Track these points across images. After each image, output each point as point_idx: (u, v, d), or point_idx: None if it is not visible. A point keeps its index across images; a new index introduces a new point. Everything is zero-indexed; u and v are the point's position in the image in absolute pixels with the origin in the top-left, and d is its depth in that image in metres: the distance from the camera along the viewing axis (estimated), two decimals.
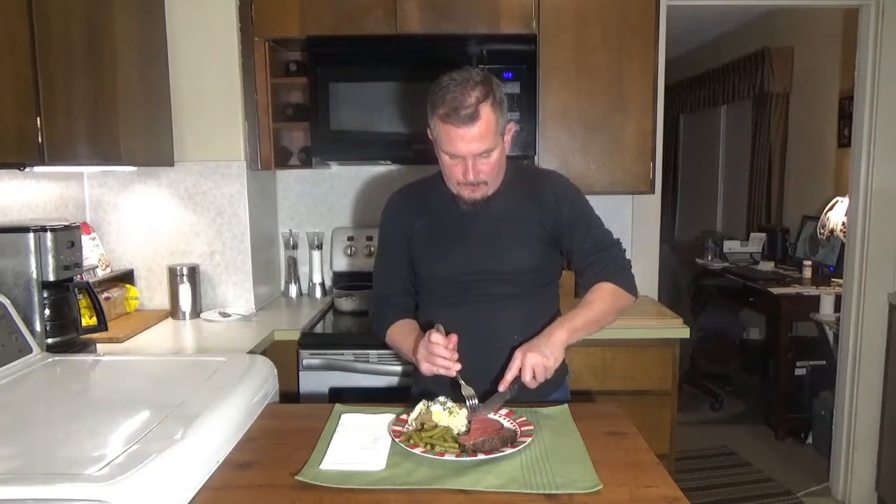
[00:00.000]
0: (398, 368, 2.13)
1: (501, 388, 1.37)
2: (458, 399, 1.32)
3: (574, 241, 1.57)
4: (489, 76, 1.46)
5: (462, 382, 1.36)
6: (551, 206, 1.57)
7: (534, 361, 1.36)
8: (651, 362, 2.24)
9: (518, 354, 1.38)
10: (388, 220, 1.67)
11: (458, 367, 1.37)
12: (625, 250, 1.63)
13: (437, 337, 1.38)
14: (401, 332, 1.60)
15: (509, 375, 1.37)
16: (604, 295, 1.54)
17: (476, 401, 1.33)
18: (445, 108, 1.39)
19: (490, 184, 1.52)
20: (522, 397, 1.41)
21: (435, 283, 1.59)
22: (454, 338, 1.39)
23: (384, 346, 1.72)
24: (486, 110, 1.40)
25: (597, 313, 1.51)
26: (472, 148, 1.42)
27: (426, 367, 1.42)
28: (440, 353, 1.37)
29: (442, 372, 1.39)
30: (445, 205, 1.59)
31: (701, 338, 4.34)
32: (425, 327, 1.58)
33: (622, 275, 1.57)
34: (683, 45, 5.74)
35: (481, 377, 1.47)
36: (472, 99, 1.39)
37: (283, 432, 1.33)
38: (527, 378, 1.36)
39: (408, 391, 1.77)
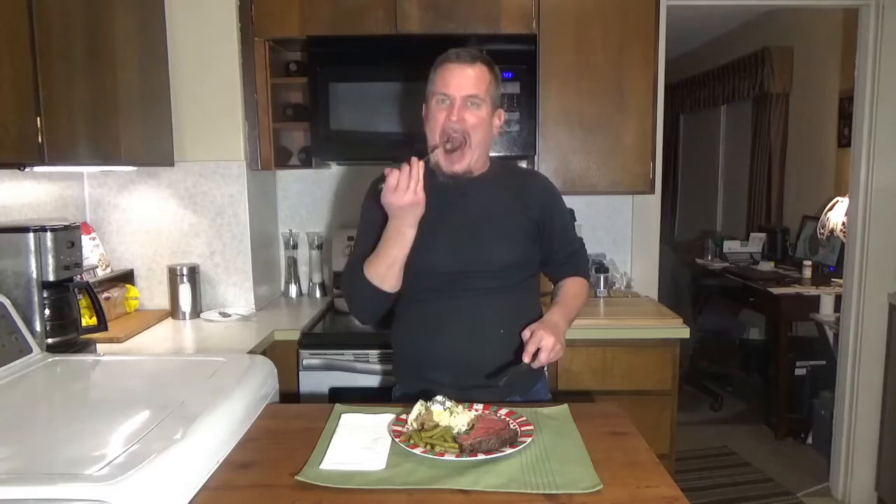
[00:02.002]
0: None
1: (526, 358, 1.39)
2: (457, 398, 1.32)
3: (554, 246, 1.64)
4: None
5: (430, 157, 1.45)
6: (540, 207, 1.60)
7: (550, 343, 1.39)
8: (651, 362, 2.24)
9: (540, 333, 1.39)
10: (371, 206, 1.61)
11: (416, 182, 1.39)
12: (586, 250, 1.77)
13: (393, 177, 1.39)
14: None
15: (531, 347, 1.39)
16: (581, 290, 1.66)
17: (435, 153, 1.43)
18: (448, 54, 1.49)
19: (471, 149, 1.49)
20: (503, 395, 1.44)
21: (421, 275, 1.56)
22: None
23: (384, 345, 1.72)
24: (483, 65, 1.50)
25: (578, 308, 1.62)
26: (463, 86, 1.46)
27: (402, 199, 1.40)
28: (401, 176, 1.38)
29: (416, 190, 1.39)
30: (432, 195, 1.56)
31: (701, 338, 4.34)
32: (407, 322, 1.59)
33: (588, 273, 1.74)
34: (683, 45, 5.74)
35: (466, 369, 1.48)
36: (476, 55, 1.51)
37: (283, 432, 1.33)
38: (543, 358, 1.39)
39: None
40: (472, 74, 1.47)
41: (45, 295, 1.75)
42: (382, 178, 1.63)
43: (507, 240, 1.56)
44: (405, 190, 1.38)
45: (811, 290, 3.56)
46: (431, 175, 1.58)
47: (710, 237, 4.83)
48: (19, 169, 1.77)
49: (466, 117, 1.47)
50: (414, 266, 1.56)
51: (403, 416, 1.29)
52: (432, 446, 1.18)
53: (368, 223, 1.64)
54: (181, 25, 2.38)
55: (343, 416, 1.36)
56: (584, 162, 2.50)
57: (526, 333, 1.42)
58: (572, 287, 1.64)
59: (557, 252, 1.65)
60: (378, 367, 2.16)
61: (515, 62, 2.37)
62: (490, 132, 1.55)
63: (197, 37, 2.39)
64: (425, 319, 1.54)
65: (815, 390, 3.55)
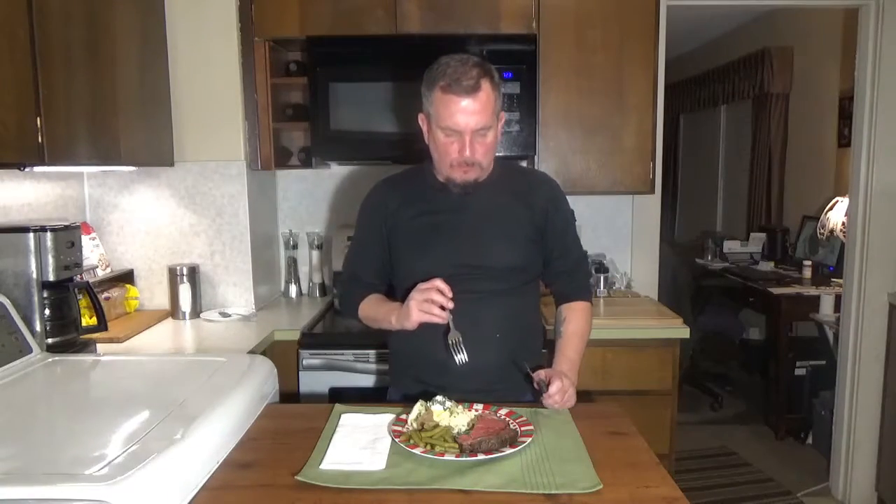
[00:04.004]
0: None
1: (547, 402, 1.39)
2: (452, 389, 1.33)
3: (555, 252, 1.62)
4: (485, 61, 1.49)
5: (451, 326, 1.39)
6: (542, 209, 1.60)
7: (569, 394, 1.41)
8: (651, 362, 2.24)
9: (567, 382, 1.42)
10: (370, 209, 1.65)
11: (450, 304, 1.39)
12: (589, 263, 1.75)
13: (440, 283, 1.40)
14: (377, 301, 1.60)
15: (553, 388, 1.39)
16: (588, 323, 1.64)
17: (463, 355, 1.39)
18: (447, 80, 1.42)
19: (482, 167, 1.51)
20: (498, 398, 1.44)
21: (420, 277, 1.55)
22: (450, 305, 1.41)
23: (384, 345, 1.71)
24: (486, 85, 1.43)
25: (583, 346, 1.62)
26: (472, 122, 1.43)
27: (417, 314, 1.41)
28: (440, 287, 1.39)
29: (434, 317, 1.40)
30: (433, 197, 1.58)
31: (701, 338, 4.34)
32: None
33: (590, 291, 1.71)
34: (683, 45, 5.74)
35: (465, 373, 1.48)
36: (474, 73, 1.42)
37: (283, 432, 1.33)
38: (556, 399, 1.39)
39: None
40: (478, 106, 1.42)
41: (45, 295, 1.75)
42: (382, 188, 1.64)
43: (509, 243, 1.56)
44: (429, 309, 1.40)
45: (811, 290, 3.56)
46: (433, 177, 1.59)
47: (710, 237, 4.83)
48: (19, 169, 1.77)
49: (477, 148, 1.47)
50: (413, 267, 1.56)
51: (403, 416, 1.30)
52: (432, 446, 1.18)
53: (367, 229, 1.65)
54: (181, 25, 2.38)
55: (343, 416, 1.36)
56: (584, 162, 2.50)
57: (542, 373, 1.42)
58: (578, 324, 1.61)
59: (557, 258, 1.63)
60: (378, 367, 2.16)
61: (515, 62, 2.37)
62: (496, 143, 1.54)
63: (197, 37, 2.39)
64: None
65: (815, 390, 3.55)
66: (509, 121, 2.37)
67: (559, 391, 1.38)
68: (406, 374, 1.62)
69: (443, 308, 1.39)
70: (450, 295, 1.39)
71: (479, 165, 1.50)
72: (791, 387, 3.66)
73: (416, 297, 1.42)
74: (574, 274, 1.66)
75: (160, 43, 2.34)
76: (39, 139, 1.64)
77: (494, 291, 1.54)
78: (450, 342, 1.41)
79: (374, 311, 1.59)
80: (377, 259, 1.63)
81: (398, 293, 1.65)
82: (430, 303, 1.39)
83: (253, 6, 2.43)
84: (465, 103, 1.41)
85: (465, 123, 1.43)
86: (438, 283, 1.40)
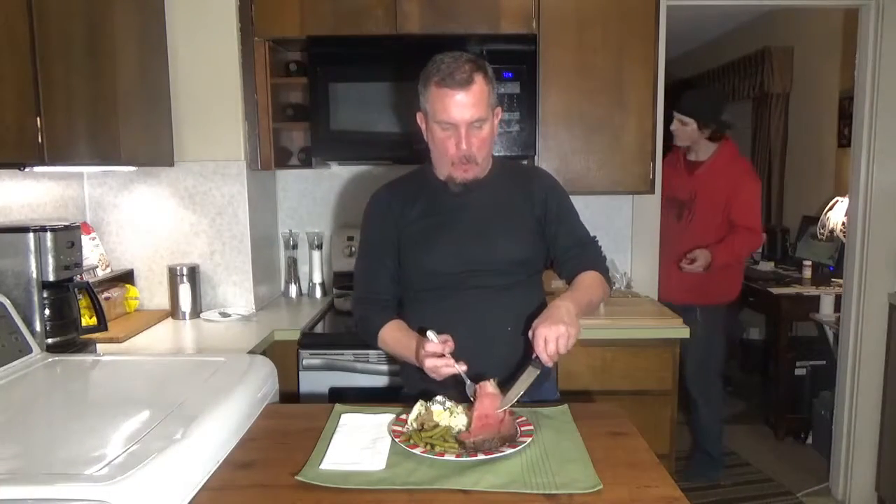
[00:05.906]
0: (397, 368, 2.13)
1: (547, 361, 1.32)
2: (458, 398, 1.32)
3: (558, 236, 1.62)
4: (479, 57, 1.51)
5: (467, 381, 1.35)
6: (540, 199, 1.61)
7: (559, 332, 1.31)
8: (651, 362, 2.24)
9: (541, 329, 1.32)
10: (376, 215, 1.64)
11: (463, 367, 1.36)
12: (601, 247, 1.69)
13: (431, 346, 1.37)
14: (398, 332, 1.57)
15: (541, 346, 1.32)
16: (595, 280, 1.57)
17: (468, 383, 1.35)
18: (441, 75, 1.45)
19: (480, 162, 1.52)
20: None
21: (427, 275, 1.57)
22: (450, 344, 1.37)
23: None
24: (479, 79, 1.46)
25: (591, 295, 1.53)
26: (467, 114, 1.45)
27: (435, 375, 1.40)
28: (437, 363, 1.37)
29: (447, 373, 1.38)
30: (435, 196, 1.59)
31: None
32: (415, 323, 1.57)
33: (604, 268, 1.64)
34: (683, 45, 5.74)
35: (475, 368, 1.47)
36: (467, 67, 1.45)
37: (283, 432, 1.33)
38: (553, 349, 1.31)
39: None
40: (472, 99, 1.44)
41: (45, 295, 1.74)
42: (383, 194, 1.64)
43: (512, 237, 1.57)
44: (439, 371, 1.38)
45: (811, 290, 3.57)
46: (434, 177, 1.60)
47: None
48: (19, 169, 1.77)
49: (473, 141, 1.48)
50: (419, 267, 1.58)
51: (403, 416, 1.30)
52: (432, 446, 1.18)
53: (375, 236, 1.63)
54: (181, 25, 2.38)
55: (343, 416, 1.37)
56: (584, 162, 2.50)
57: (530, 334, 1.37)
58: (584, 278, 1.56)
59: (563, 243, 1.61)
60: (378, 367, 2.16)
61: (515, 62, 2.37)
62: (493, 138, 1.55)
63: (197, 37, 2.39)
64: (431, 319, 1.53)
65: (815, 390, 3.55)
66: (510, 121, 2.38)
67: (542, 349, 1.31)
68: (417, 372, 1.61)
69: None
70: (441, 350, 1.36)
71: (476, 161, 1.51)
72: (791, 387, 3.66)
73: (427, 366, 1.40)
74: (581, 254, 1.61)
75: (160, 43, 2.34)
76: (39, 139, 1.64)
77: (502, 286, 1.55)
78: (464, 379, 1.37)
79: (396, 345, 1.57)
80: (391, 269, 1.61)
81: (406, 295, 1.65)
82: (437, 366, 1.37)
83: (253, 6, 2.43)
84: (460, 96, 1.44)
85: (459, 116, 1.45)
86: (429, 346, 1.37)
